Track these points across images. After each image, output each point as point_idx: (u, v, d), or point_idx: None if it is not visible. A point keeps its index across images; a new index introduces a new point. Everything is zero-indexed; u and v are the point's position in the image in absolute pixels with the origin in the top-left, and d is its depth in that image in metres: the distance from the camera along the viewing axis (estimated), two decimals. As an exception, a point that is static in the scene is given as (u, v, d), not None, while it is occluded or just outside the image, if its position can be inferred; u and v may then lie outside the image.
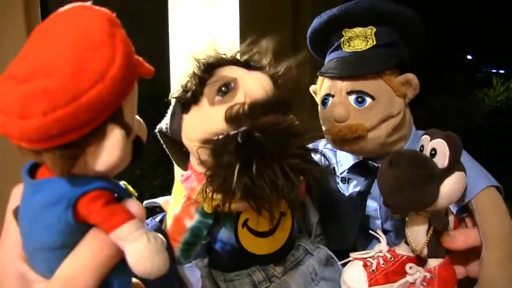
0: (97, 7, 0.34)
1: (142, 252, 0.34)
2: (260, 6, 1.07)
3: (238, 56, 0.58)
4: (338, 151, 0.73)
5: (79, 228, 0.35)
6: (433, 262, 0.55)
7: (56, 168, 0.33)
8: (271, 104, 0.50)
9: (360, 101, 0.63)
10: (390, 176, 0.53)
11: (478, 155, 0.62)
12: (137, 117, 0.39)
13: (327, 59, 0.69)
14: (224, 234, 0.58)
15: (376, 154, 0.66)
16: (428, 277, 0.55)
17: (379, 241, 0.61)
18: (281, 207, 0.58)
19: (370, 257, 0.59)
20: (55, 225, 0.34)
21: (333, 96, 0.65)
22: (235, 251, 0.58)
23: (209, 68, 0.55)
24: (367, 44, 0.64)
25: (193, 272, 0.58)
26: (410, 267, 0.56)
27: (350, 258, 0.61)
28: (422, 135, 0.57)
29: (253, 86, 0.52)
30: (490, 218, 0.56)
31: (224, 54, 0.57)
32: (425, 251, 0.56)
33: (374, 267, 0.58)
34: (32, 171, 0.37)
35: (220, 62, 0.56)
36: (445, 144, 0.52)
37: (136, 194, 0.39)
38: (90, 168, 0.34)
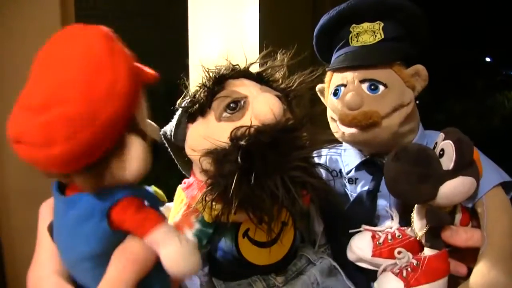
0: (91, 26, 0.35)
1: (175, 254, 0.36)
2: (280, 10, 1.06)
3: (251, 69, 0.57)
4: (343, 153, 0.72)
5: (115, 235, 0.37)
6: (427, 252, 0.55)
7: (87, 186, 0.35)
8: (277, 131, 0.49)
9: (373, 88, 0.63)
10: (391, 168, 0.54)
11: (498, 158, 0.61)
12: (147, 119, 0.41)
13: (334, 55, 0.69)
14: (224, 243, 0.57)
15: (385, 147, 0.65)
16: (415, 264, 0.54)
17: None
18: (282, 217, 0.57)
19: (380, 231, 0.60)
20: (93, 236, 0.36)
21: (345, 85, 0.65)
22: (235, 260, 0.57)
23: (219, 80, 0.54)
24: (375, 39, 0.65)
25: (192, 280, 0.58)
26: (399, 252, 0.57)
27: (361, 229, 0.62)
28: (441, 132, 0.55)
29: (263, 109, 0.51)
30: (499, 215, 0.55)
31: (237, 65, 0.57)
32: (423, 240, 0.56)
33: (381, 241, 0.59)
34: (61, 187, 0.40)
35: (232, 74, 0.56)
36: (453, 147, 0.51)
37: (165, 198, 0.42)
38: (117, 178, 0.36)
